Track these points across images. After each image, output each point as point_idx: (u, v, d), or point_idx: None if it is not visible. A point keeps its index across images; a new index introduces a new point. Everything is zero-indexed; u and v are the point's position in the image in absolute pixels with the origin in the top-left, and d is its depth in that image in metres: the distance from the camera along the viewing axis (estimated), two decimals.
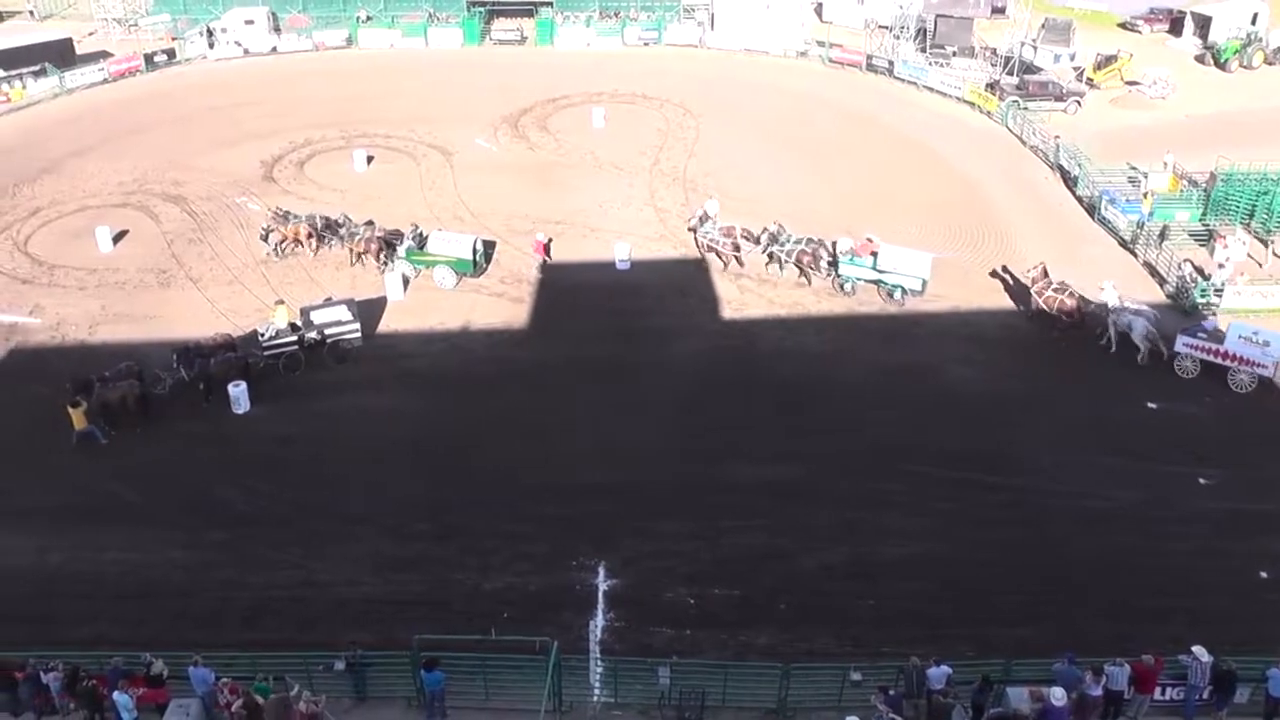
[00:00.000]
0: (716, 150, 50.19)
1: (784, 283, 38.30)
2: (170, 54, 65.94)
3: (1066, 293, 35.08)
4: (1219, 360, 32.52)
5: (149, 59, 64.61)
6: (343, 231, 40.40)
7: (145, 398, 31.19)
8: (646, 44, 68.41)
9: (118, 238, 42.13)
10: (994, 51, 60.96)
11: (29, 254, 41.35)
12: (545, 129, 53.55)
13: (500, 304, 37.45)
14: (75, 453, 29.89)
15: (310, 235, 40.12)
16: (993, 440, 30.14)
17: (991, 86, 56.24)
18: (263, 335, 33.80)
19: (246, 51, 67.06)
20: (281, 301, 34.96)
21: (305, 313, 34.38)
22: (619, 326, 35.87)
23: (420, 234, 39.21)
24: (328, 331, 34.15)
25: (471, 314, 36.82)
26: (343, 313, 34.40)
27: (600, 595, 25.14)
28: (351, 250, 39.97)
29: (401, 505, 27.94)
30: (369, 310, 36.06)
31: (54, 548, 26.72)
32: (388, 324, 36.38)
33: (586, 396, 32.20)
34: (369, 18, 71.30)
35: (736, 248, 39.40)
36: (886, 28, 65.33)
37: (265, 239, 40.34)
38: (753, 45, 65.88)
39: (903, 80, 60.25)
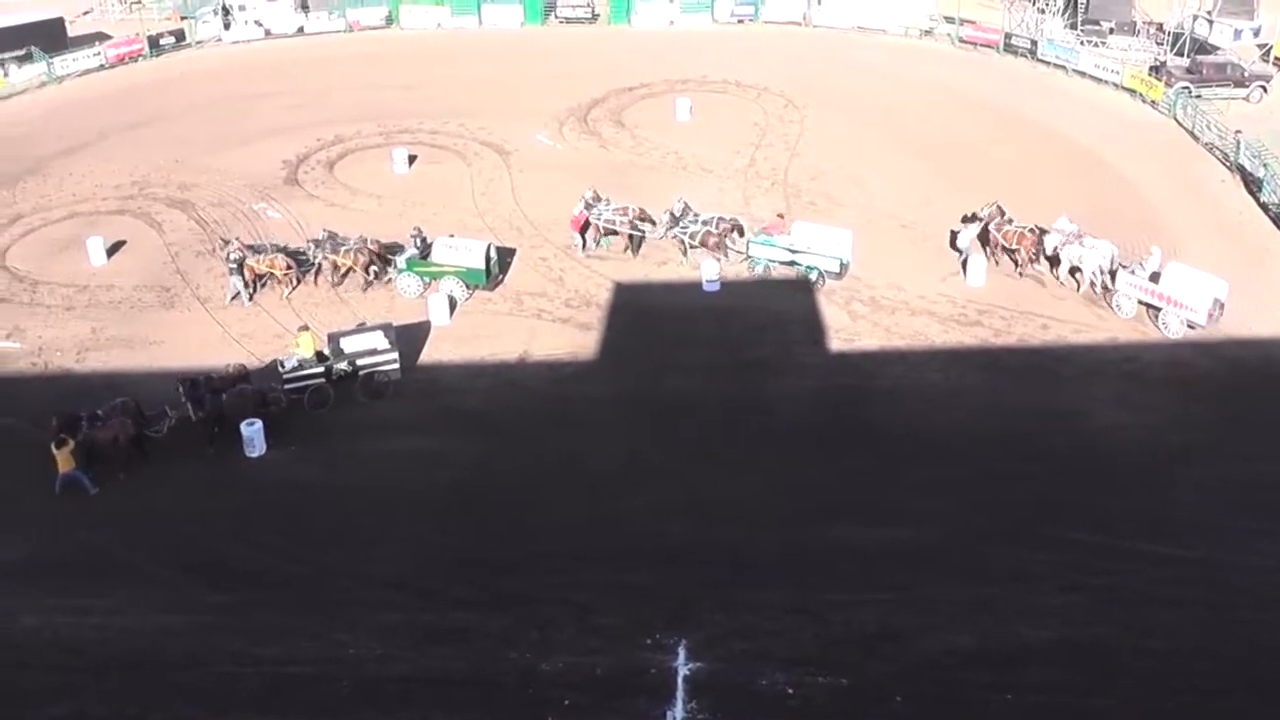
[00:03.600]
0: (824, 149, 50.27)
1: (903, 309, 38.14)
2: (179, 36, 67.72)
3: (1028, 228, 39.90)
4: (1155, 300, 36.95)
5: (153, 42, 66.36)
6: (324, 248, 39.93)
7: (140, 439, 31.34)
8: (741, 21, 68.94)
9: (113, 249, 43.03)
10: (1159, 27, 60.52)
11: (7, 268, 42.46)
12: (620, 123, 54.02)
13: (565, 331, 37.75)
14: (55, 500, 30.22)
15: (289, 268, 39.61)
16: (1158, 500, 29.61)
17: (1156, 70, 55.76)
18: (284, 367, 34.31)
19: (268, 32, 68.70)
20: (306, 327, 35.47)
21: (334, 339, 34.82)
22: (706, 359, 35.92)
23: (423, 240, 39.77)
24: (360, 362, 34.53)
25: (531, 342, 37.10)
26: (378, 340, 34.76)
27: (680, 680, 24.95)
28: (335, 266, 39.95)
29: (444, 566, 28.08)
30: (409, 337, 36.51)
31: (25, 610, 26.90)
32: (431, 353, 36.78)
33: (667, 442, 32.29)
34: None
35: (635, 227, 41.29)
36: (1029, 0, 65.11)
37: (239, 272, 39.06)
38: (867, 22, 66.12)
39: (1048, 63, 60.07)
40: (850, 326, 37.64)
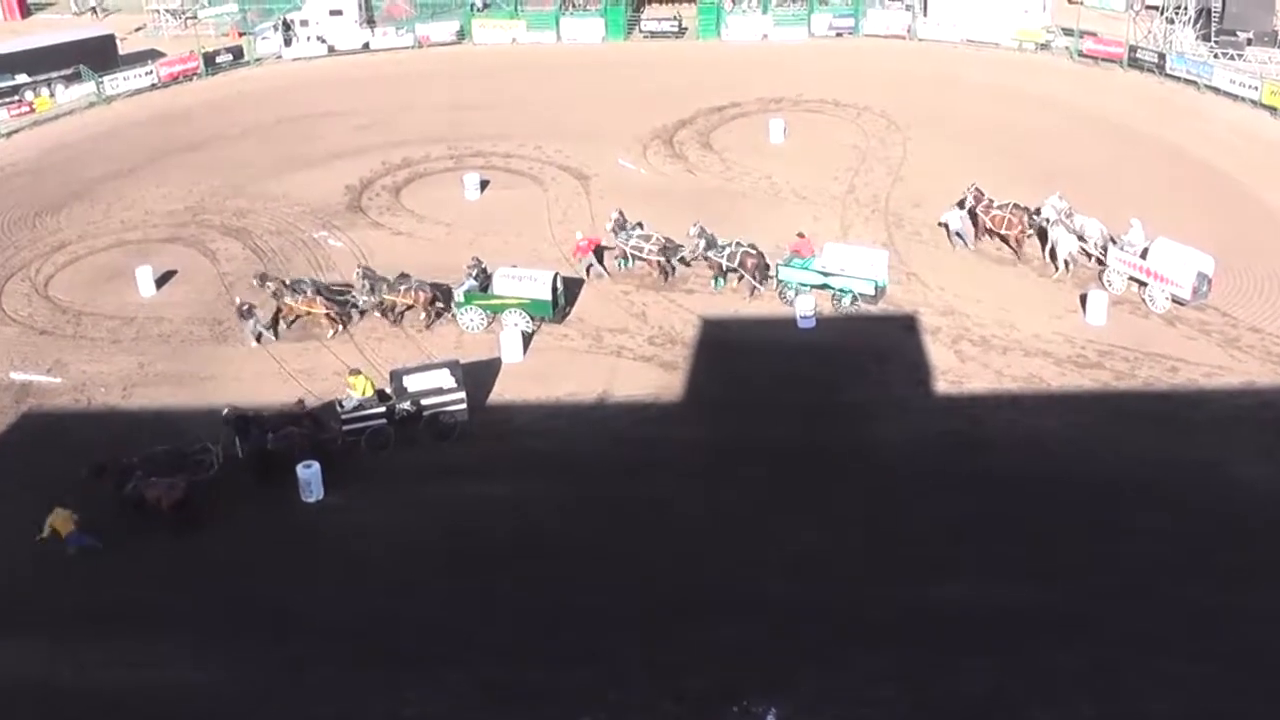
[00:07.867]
0: (929, 174, 50.24)
1: (1016, 349, 37.95)
2: (236, 53, 69.14)
3: (1010, 208, 43.07)
4: (1141, 275, 39.67)
5: (209, 59, 67.81)
6: (373, 288, 39.99)
7: (185, 503, 31.01)
8: (840, 35, 69.19)
9: (163, 280, 43.97)
10: None
11: (50, 298, 43.53)
12: (708, 146, 54.40)
13: (648, 370, 37.99)
14: (104, 546, 30.48)
15: (328, 315, 39.74)
16: None
17: None
18: (343, 406, 34.70)
19: (332, 49, 69.93)
20: (358, 371, 35.59)
21: (397, 377, 35.13)
22: (800, 402, 35.93)
23: (483, 270, 40.23)
24: (425, 401, 34.88)
25: (610, 382, 37.36)
26: (444, 378, 35.03)
27: None
28: (393, 306, 40.17)
29: (516, 620, 28.24)
30: (478, 375, 36.86)
31: (66, 660, 27.35)
32: (502, 393, 37.14)
33: (757, 490, 32.31)
34: (485, 5, 73.29)
35: (664, 253, 41.82)
36: (1156, 8, 64.69)
37: (249, 316, 39.33)
38: (977, 35, 65.97)
39: (1177, 78, 59.63)
40: (958, 368, 37.54)
